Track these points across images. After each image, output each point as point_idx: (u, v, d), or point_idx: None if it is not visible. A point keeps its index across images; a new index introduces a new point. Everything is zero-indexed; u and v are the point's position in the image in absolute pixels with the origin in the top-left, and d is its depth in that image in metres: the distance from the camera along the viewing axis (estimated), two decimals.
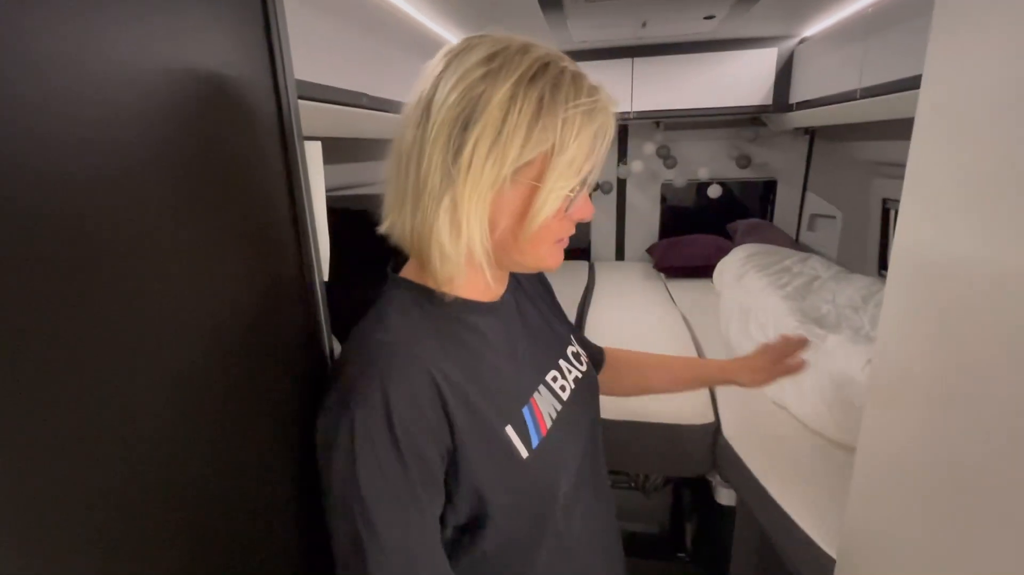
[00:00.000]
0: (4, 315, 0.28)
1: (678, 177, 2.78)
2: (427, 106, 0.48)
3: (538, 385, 0.62)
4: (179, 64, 0.43)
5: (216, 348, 0.45)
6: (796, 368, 0.86)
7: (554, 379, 0.64)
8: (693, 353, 1.66)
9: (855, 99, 1.66)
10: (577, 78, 0.50)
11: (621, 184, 2.95)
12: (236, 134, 0.52)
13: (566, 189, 0.49)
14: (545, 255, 0.54)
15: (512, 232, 0.51)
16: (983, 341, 0.54)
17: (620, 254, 3.10)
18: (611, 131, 0.51)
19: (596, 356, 0.86)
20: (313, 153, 0.64)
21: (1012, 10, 0.50)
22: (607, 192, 2.93)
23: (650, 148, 2.71)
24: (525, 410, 0.56)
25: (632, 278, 2.66)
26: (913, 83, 1.35)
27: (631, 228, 3.04)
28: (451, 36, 1.90)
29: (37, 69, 0.30)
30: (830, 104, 1.86)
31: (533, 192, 0.49)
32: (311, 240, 0.64)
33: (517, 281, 0.69)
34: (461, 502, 0.52)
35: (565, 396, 0.64)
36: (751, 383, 0.87)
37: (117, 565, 0.34)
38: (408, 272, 0.58)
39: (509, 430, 0.53)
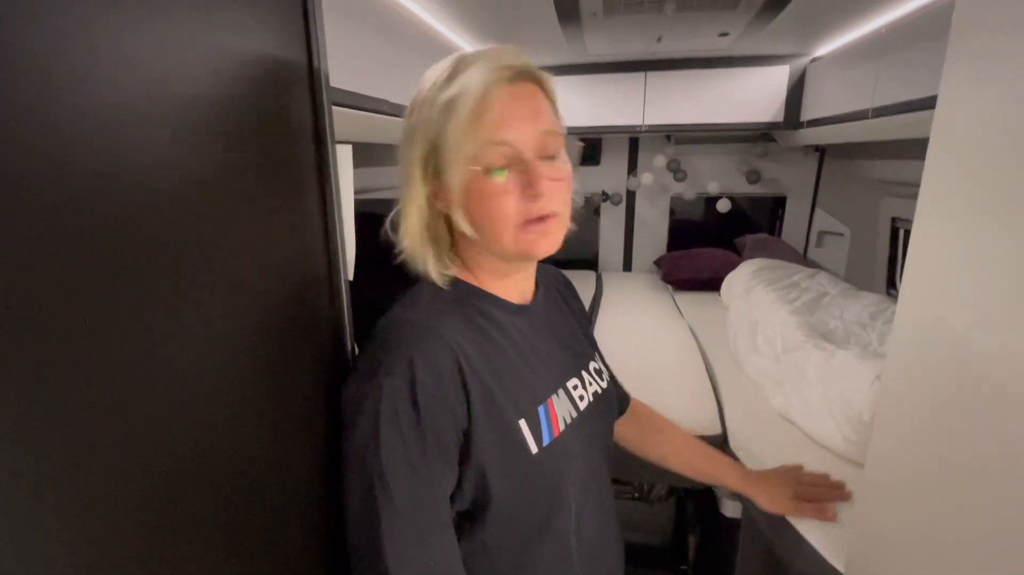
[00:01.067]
0: (64, 312, 0.29)
1: (688, 190, 2.80)
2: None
3: (557, 389, 0.63)
4: (227, 68, 0.45)
5: (247, 342, 0.47)
6: (826, 515, 0.86)
7: (574, 387, 0.65)
8: (701, 369, 1.66)
9: (867, 118, 1.68)
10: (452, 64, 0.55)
11: (631, 196, 2.97)
12: (275, 135, 0.54)
13: (461, 162, 0.52)
14: (513, 241, 0.53)
15: (470, 221, 0.55)
16: (987, 365, 0.55)
17: (628, 265, 3.11)
18: (473, 86, 0.50)
19: (622, 398, 0.87)
20: (344, 156, 0.67)
21: None
22: (616, 203, 2.95)
23: (661, 161, 2.73)
24: (541, 409, 0.58)
25: (639, 289, 2.67)
26: (925, 104, 1.36)
27: (639, 240, 3.05)
28: (471, 47, 1.93)
29: (97, 71, 0.32)
30: (841, 122, 1.88)
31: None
32: (339, 240, 0.66)
33: (558, 291, 0.73)
34: (467, 484, 0.53)
35: (582, 406, 0.65)
36: (770, 508, 0.86)
37: (151, 551, 0.36)
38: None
39: (522, 423, 0.55)
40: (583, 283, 2.80)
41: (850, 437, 1.15)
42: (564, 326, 0.70)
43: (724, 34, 1.74)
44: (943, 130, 0.64)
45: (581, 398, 0.66)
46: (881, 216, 2.18)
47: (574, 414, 0.63)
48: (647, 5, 1.43)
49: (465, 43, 1.88)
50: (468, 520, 0.56)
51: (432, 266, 0.58)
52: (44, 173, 0.28)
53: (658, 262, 2.90)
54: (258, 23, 0.51)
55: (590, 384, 0.69)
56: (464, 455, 0.52)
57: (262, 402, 0.48)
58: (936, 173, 0.66)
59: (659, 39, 1.82)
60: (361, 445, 0.49)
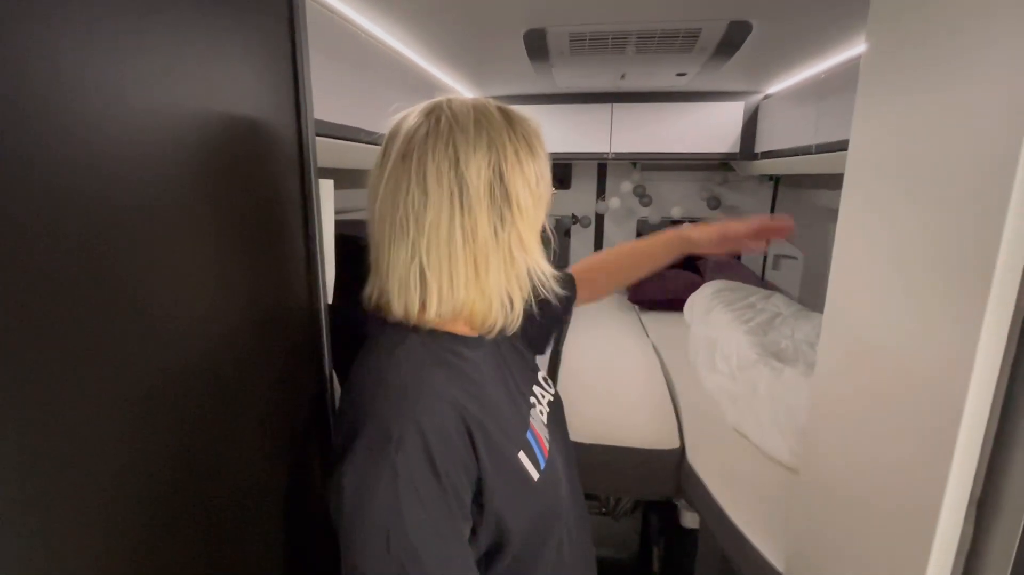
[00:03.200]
0: (45, 322, 0.32)
1: (653, 215, 2.94)
2: (458, 180, 0.54)
3: (530, 409, 0.67)
4: (216, 103, 0.49)
5: (227, 361, 0.50)
6: (753, 247, 0.91)
7: (535, 404, 0.69)
8: (663, 386, 1.75)
9: (811, 153, 1.83)
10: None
11: (599, 219, 3.09)
12: (262, 168, 0.59)
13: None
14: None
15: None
16: (889, 382, 0.64)
17: None
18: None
19: (568, 284, 0.88)
20: (326, 189, 0.73)
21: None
22: (585, 226, 3.06)
23: (627, 186, 2.86)
24: (528, 434, 0.61)
25: (607, 309, 2.77)
26: None
27: None
28: (445, 76, 2.02)
29: (87, 102, 0.35)
30: (790, 156, 2.03)
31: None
32: (319, 267, 0.72)
33: None
34: (483, 532, 0.53)
35: (545, 419, 0.69)
36: (700, 240, 0.93)
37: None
38: (389, 316, 0.58)
39: (521, 455, 0.56)
40: None
41: (795, 449, 1.24)
42: (506, 344, 0.70)
43: (682, 74, 1.88)
44: (855, 167, 0.75)
45: (542, 412, 0.70)
46: (830, 241, 2.33)
47: (547, 432, 0.67)
48: (610, 47, 1.54)
49: (443, 76, 1.97)
50: (482, 560, 0.55)
51: (436, 307, 0.55)
52: (36, 211, 0.31)
53: None
54: (248, 68, 0.56)
55: (543, 396, 0.72)
56: (479, 505, 0.51)
57: (231, 414, 0.51)
58: (850, 205, 0.77)
59: (623, 76, 1.94)
60: (380, 530, 0.45)
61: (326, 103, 1.16)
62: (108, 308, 0.36)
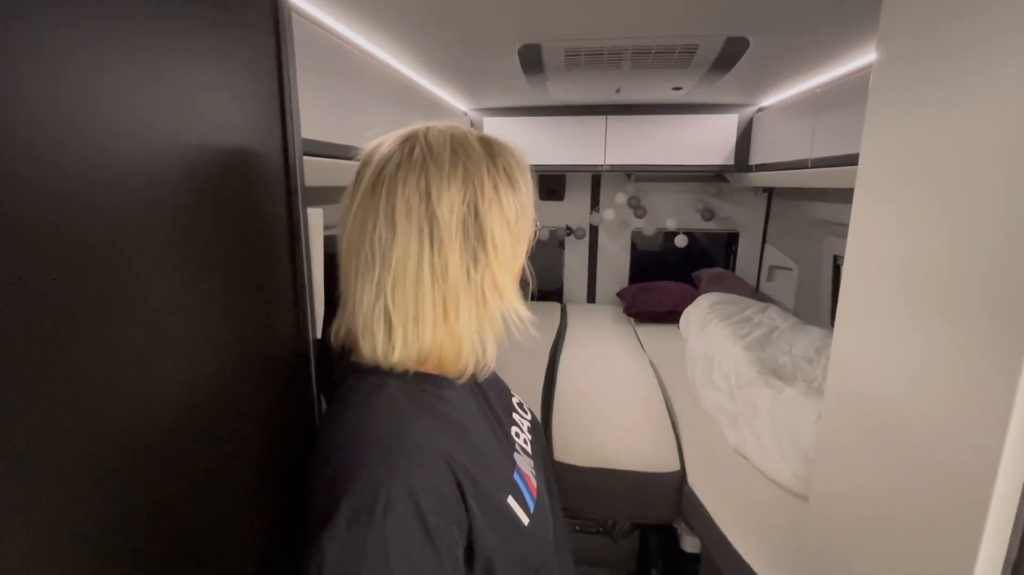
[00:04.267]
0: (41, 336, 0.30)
1: (647, 226, 2.92)
2: (429, 216, 0.50)
3: (513, 445, 0.63)
4: (199, 130, 0.47)
5: (210, 404, 0.47)
6: None
7: (517, 435, 0.66)
8: (661, 405, 1.72)
9: (806, 167, 1.82)
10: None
11: (593, 230, 3.07)
12: (247, 198, 0.56)
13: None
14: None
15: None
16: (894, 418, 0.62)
17: (591, 297, 3.19)
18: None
19: None
20: (315, 219, 0.69)
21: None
22: (580, 238, 3.04)
23: (621, 198, 2.85)
24: (516, 475, 0.57)
25: (603, 321, 2.74)
26: (854, 160, 1.50)
27: (602, 272, 3.14)
28: (439, 90, 1.99)
29: (79, 128, 0.33)
30: (785, 169, 2.02)
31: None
32: (307, 300, 0.68)
33: None
34: None
35: (529, 449, 0.66)
36: None
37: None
38: (359, 358, 0.55)
39: (510, 500, 0.53)
40: (548, 314, 2.85)
41: (798, 473, 1.21)
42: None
43: (678, 88, 1.86)
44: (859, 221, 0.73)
45: (526, 442, 0.66)
46: (824, 253, 2.33)
47: (532, 463, 0.63)
48: (606, 62, 1.52)
49: (436, 89, 1.94)
50: None
51: (400, 350, 0.52)
52: (4, 246, 0.29)
53: (620, 294, 2.99)
54: (232, 92, 0.53)
55: (522, 423, 0.69)
56: (469, 555, 0.49)
57: (213, 445, 0.48)
58: (858, 234, 0.74)
59: (618, 90, 1.93)
60: None
61: (316, 121, 1.12)
62: (81, 348, 0.34)
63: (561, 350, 2.28)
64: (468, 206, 0.51)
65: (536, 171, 2.30)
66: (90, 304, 0.34)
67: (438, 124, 0.57)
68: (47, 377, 0.31)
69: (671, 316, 2.62)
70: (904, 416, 0.63)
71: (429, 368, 0.56)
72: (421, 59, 1.55)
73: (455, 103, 2.34)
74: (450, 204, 0.50)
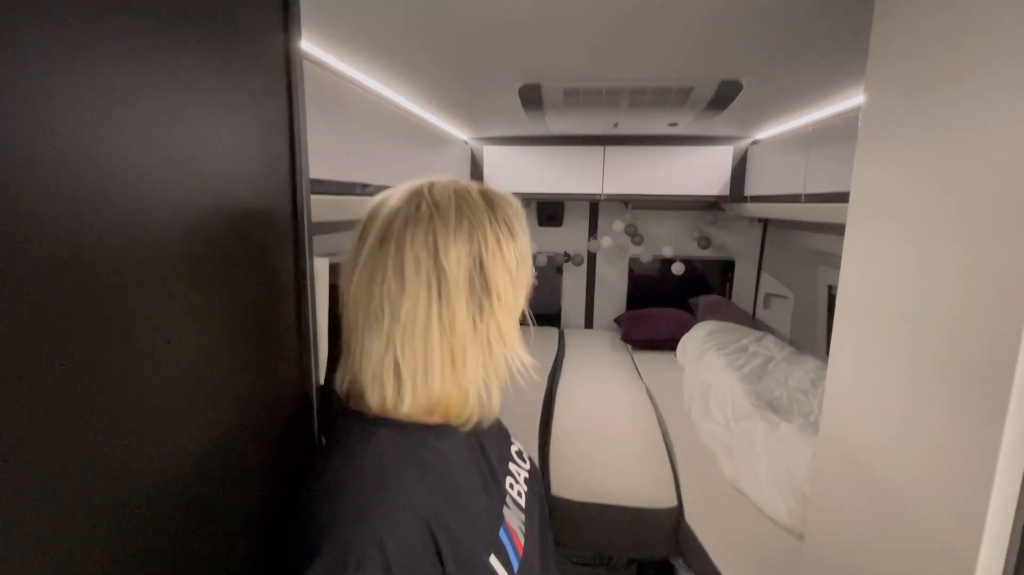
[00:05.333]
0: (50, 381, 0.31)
1: (644, 253, 2.96)
2: (437, 270, 0.52)
3: (504, 498, 0.62)
4: (217, 180, 0.48)
5: (213, 438, 0.48)
6: None
7: (511, 486, 0.65)
8: (659, 437, 1.73)
9: (800, 202, 1.86)
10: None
11: (591, 257, 3.10)
12: (256, 248, 0.57)
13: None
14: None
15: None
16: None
17: (589, 322, 3.21)
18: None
19: None
20: (321, 269, 0.71)
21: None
22: (578, 264, 3.07)
23: (619, 226, 2.89)
24: (502, 532, 0.57)
25: (600, 348, 2.75)
26: (846, 197, 1.54)
27: (600, 298, 3.17)
28: (440, 122, 2.04)
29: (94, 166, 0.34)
30: (779, 202, 2.06)
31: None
32: (311, 348, 0.70)
33: None
34: None
35: (523, 503, 0.65)
36: None
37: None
38: (361, 406, 0.56)
39: (493, 560, 0.53)
40: (546, 339, 2.86)
41: (794, 510, 1.22)
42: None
43: (674, 124, 1.91)
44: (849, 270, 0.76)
45: (520, 494, 0.65)
46: (819, 283, 2.36)
47: (523, 518, 0.63)
48: (604, 101, 1.56)
49: (438, 122, 1.99)
50: None
51: (410, 401, 0.52)
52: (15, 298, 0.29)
53: (618, 320, 3.00)
54: (244, 142, 0.54)
55: (519, 474, 0.68)
56: None
57: (211, 491, 0.48)
58: (848, 295, 0.76)
59: (615, 125, 1.97)
60: None
61: (320, 159, 1.15)
62: (84, 387, 0.34)
63: (559, 379, 2.28)
64: (474, 259, 0.53)
65: (534, 198, 2.34)
66: (96, 340, 0.35)
67: (441, 179, 0.59)
68: (47, 418, 0.31)
69: (668, 343, 2.63)
70: (889, 466, 0.64)
71: (436, 418, 0.56)
72: (425, 95, 1.59)
73: (456, 133, 2.39)
74: (457, 258, 0.52)
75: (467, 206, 0.55)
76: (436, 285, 0.52)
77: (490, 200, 0.57)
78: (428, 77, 1.38)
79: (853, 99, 1.48)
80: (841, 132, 1.59)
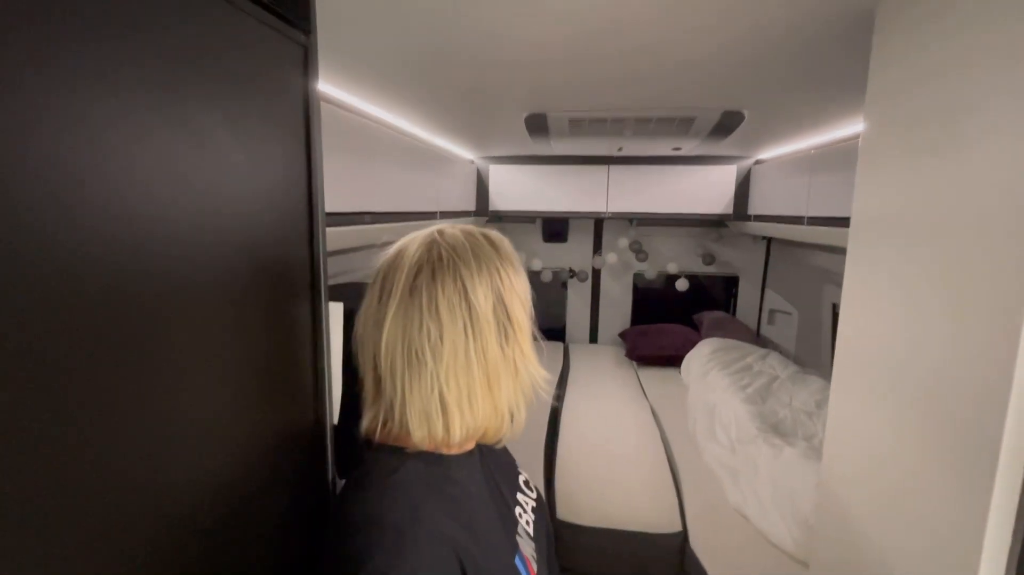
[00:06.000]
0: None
1: (649, 270, 2.98)
2: (468, 308, 0.57)
3: (516, 527, 0.66)
4: (237, 223, 0.49)
5: (227, 482, 0.49)
6: None
7: (520, 515, 0.68)
8: (663, 460, 1.74)
9: (803, 224, 1.88)
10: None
11: (596, 273, 3.13)
12: (273, 293, 0.59)
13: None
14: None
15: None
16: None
17: (594, 337, 3.22)
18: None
19: None
20: (335, 313, 0.74)
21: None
22: (583, 280, 3.09)
23: (623, 242, 2.91)
24: (518, 560, 0.60)
25: (605, 364, 2.77)
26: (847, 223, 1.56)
27: (604, 314, 3.18)
28: (447, 143, 2.08)
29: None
30: (782, 223, 2.08)
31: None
32: (327, 392, 0.72)
33: None
34: None
35: (531, 531, 0.68)
36: None
37: None
38: (398, 441, 0.59)
39: None
40: (552, 354, 2.87)
41: (798, 539, 1.22)
42: (488, 448, 0.70)
43: (677, 149, 1.94)
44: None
45: (528, 523, 0.68)
46: (824, 300, 2.37)
47: (533, 546, 0.66)
48: (608, 129, 1.59)
49: (445, 143, 2.02)
50: None
51: (459, 431, 0.57)
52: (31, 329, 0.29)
53: (622, 335, 3.02)
54: (263, 184, 0.55)
55: (527, 503, 0.72)
56: None
57: (225, 534, 0.49)
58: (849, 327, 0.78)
59: (620, 149, 2.00)
60: None
61: (333, 192, 1.18)
62: (105, 426, 0.35)
63: (564, 396, 2.30)
64: (496, 294, 0.58)
65: (539, 216, 2.36)
66: (118, 379, 0.35)
67: (447, 227, 0.64)
68: (69, 455, 0.32)
69: (673, 360, 2.64)
70: (885, 515, 0.66)
71: (470, 444, 0.62)
72: (432, 123, 1.62)
73: (462, 152, 2.43)
74: (484, 295, 0.57)
75: (479, 248, 0.60)
76: (469, 322, 0.57)
77: (492, 241, 0.62)
78: (437, 108, 1.42)
79: (855, 125, 1.50)
80: (843, 158, 1.62)
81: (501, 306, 0.58)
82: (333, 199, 1.19)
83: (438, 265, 0.57)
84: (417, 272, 0.58)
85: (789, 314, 2.75)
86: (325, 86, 1.15)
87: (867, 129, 0.77)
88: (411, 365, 0.57)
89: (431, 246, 0.59)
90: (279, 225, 0.61)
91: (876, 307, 0.73)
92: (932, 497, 0.59)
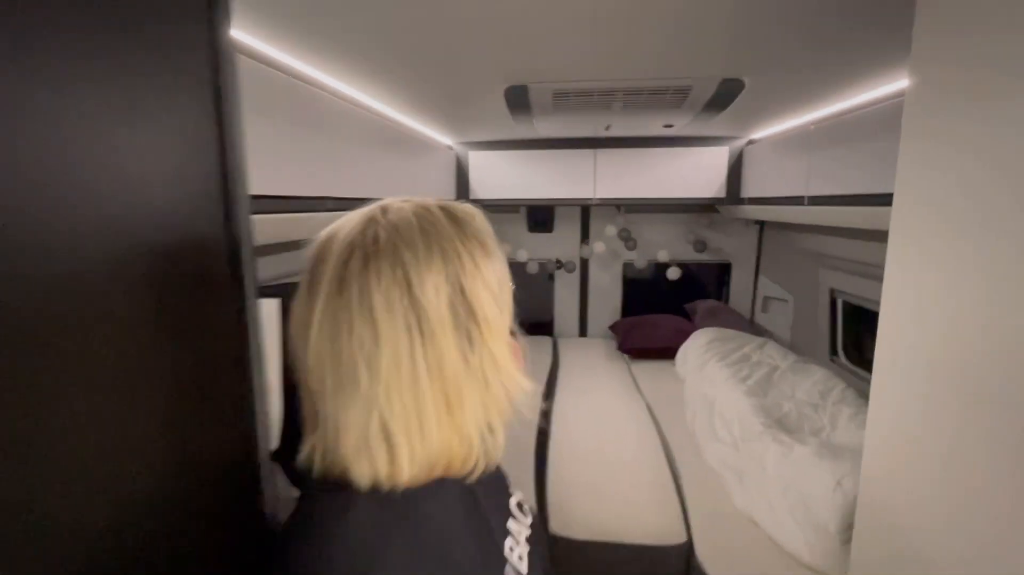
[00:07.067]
0: None
1: (639, 258, 2.86)
2: (413, 306, 0.44)
3: (503, 566, 0.54)
4: (136, 211, 0.39)
5: (141, 513, 0.39)
6: None
7: (511, 550, 0.57)
8: (663, 462, 1.62)
9: (803, 204, 1.77)
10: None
11: (584, 263, 3.00)
12: (183, 289, 0.46)
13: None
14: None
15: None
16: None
17: (583, 330, 3.10)
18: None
19: None
20: (269, 312, 0.59)
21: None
22: (570, 271, 2.96)
23: (612, 230, 2.79)
24: None
25: (596, 359, 2.65)
26: (856, 200, 1.45)
27: (594, 305, 3.06)
28: (419, 125, 1.92)
29: None
30: (780, 204, 1.97)
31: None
32: (256, 408, 0.58)
33: None
34: None
35: (524, 568, 0.56)
36: None
37: None
38: (334, 473, 0.47)
39: None
40: (539, 350, 2.75)
41: (815, 547, 1.11)
42: None
43: (669, 125, 1.81)
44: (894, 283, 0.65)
45: (520, 558, 0.57)
46: (820, 286, 2.28)
47: None
48: (596, 102, 1.46)
49: (417, 125, 1.87)
50: None
51: (408, 469, 0.44)
52: None
53: (613, 327, 2.91)
54: (162, 161, 0.44)
55: (519, 532, 0.60)
56: None
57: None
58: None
59: (607, 127, 1.87)
60: None
61: (276, 174, 1.03)
62: None
63: (555, 396, 2.17)
64: (452, 285, 0.45)
65: (524, 204, 2.22)
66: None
67: (395, 202, 0.50)
68: None
69: (666, 352, 2.53)
70: (935, 533, 0.53)
71: (434, 475, 0.48)
72: (402, 99, 1.47)
73: (439, 138, 2.27)
74: (435, 287, 0.44)
75: (433, 227, 0.46)
76: (416, 324, 0.43)
77: (454, 216, 0.49)
78: (402, 78, 1.26)
79: (863, 94, 1.38)
80: (849, 130, 1.50)
81: (462, 300, 0.45)
82: (286, 181, 1.04)
83: (372, 250, 0.44)
84: (346, 261, 0.44)
85: (784, 301, 2.65)
86: (276, 52, 1.00)
87: (913, 86, 0.64)
88: (342, 383, 0.44)
89: (368, 225, 0.46)
90: (182, 208, 0.47)
91: (928, 293, 0.60)
92: (997, 500, 0.47)
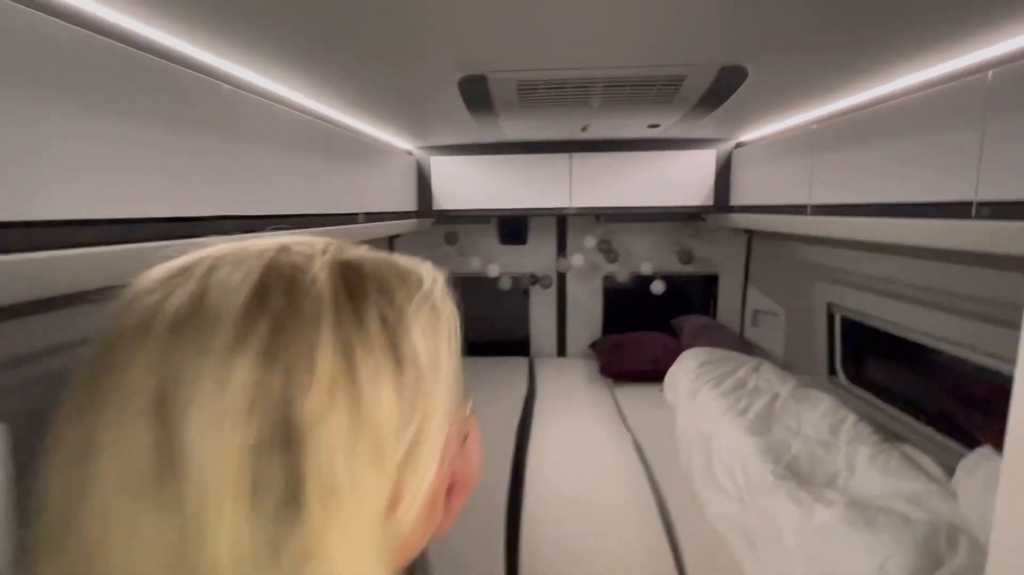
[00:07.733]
0: None
1: (620, 271, 2.64)
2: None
3: None
4: None
5: None
6: None
7: None
8: (652, 505, 1.38)
9: (806, 214, 1.56)
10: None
11: (561, 278, 2.77)
12: None
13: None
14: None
15: None
16: None
17: (562, 350, 2.86)
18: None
19: None
20: None
21: None
22: (546, 286, 2.72)
23: (591, 242, 2.56)
24: None
25: (576, 383, 2.41)
26: (872, 210, 1.25)
27: (573, 323, 2.83)
28: (371, 128, 1.66)
29: None
30: (777, 213, 1.77)
31: None
32: None
33: None
34: None
35: None
36: None
37: None
38: None
39: None
40: (514, 373, 2.50)
41: None
42: None
43: (654, 125, 1.59)
44: None
45: None
46: (816, 300, 2.09)
47: None
48: (570, 97, 1.22)
49: (369, 127, 1.60)
50: None
51: None
52: None
53: (594, 346, 2.68)
54: None
55: None
56: None
57: None
58: None
59: (584, 128, 1.64)
60: None
61: (154, 189, 0.76)
62: None
63: (529, 429, 1.92)
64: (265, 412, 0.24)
65: (493, 215, 1.93)
66: None
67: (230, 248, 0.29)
68: None
69: (653, 375, 2.31)
70: None
71: None
72: (330, 91, 1.21)
73: (395, 142, 2.01)
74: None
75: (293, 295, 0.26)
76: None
77: (345, 270, 0.30)
78: (329, 66, 1.01)
79: (883, 86, 1.17)
80: (862, 130, 1.29)
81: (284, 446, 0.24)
82: (154, 198, 0.76)
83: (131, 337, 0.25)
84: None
85: (775, 314, 2.46)
86: (160, 35, 0.72)
87: None
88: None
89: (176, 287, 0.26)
90: None
91: None
92: None
